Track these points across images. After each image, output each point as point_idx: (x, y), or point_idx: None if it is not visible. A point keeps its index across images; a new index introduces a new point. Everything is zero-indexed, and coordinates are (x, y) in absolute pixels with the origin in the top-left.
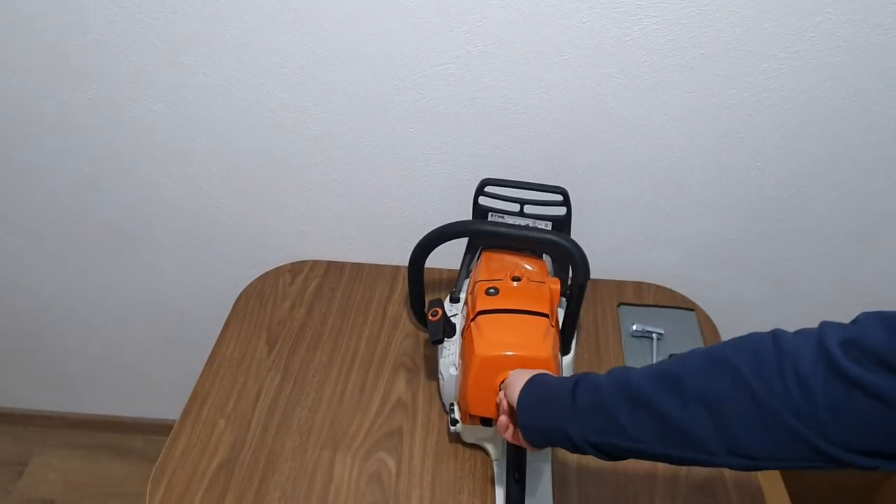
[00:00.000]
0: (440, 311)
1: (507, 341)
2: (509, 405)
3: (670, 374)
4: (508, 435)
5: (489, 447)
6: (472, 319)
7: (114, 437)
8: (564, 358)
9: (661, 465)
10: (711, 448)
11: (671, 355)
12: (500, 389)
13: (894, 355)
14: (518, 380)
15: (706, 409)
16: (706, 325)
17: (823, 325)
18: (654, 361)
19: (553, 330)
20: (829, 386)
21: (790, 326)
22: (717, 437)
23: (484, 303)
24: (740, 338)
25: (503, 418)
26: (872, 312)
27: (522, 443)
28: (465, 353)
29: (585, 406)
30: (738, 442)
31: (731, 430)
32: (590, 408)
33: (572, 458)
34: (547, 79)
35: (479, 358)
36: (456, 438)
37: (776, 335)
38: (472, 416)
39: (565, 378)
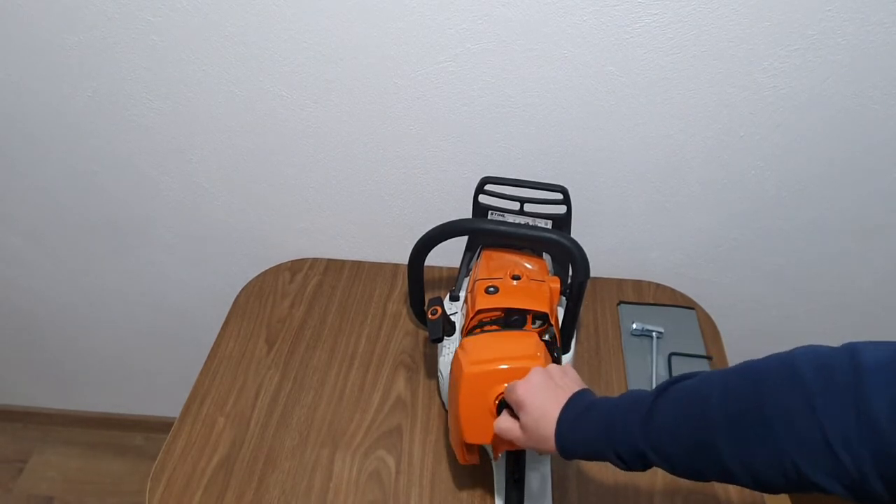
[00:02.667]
0: (440, 310)
1: (494, 355)
2: (513, 407)
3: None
4: (515, 436)
5: (489, 446)
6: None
7: (113, 434)
8: (564, 357)
9: None
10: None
11: (671, 355)
12: (495, 408)
13: None
14: (532, 384)
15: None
16: (706, 323)
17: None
18: (654, 360)
19: (542, 344)
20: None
21: (790, 325)
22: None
23: (483, 301)
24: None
25: (505, 421)
26: None
27: (528, 446)
28: (453, 379)
29: (667, 420)
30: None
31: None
32: (676, 423)
33: None
34: (547, 77)
35: (468, 377)
36: None
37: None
38: (468, 448)
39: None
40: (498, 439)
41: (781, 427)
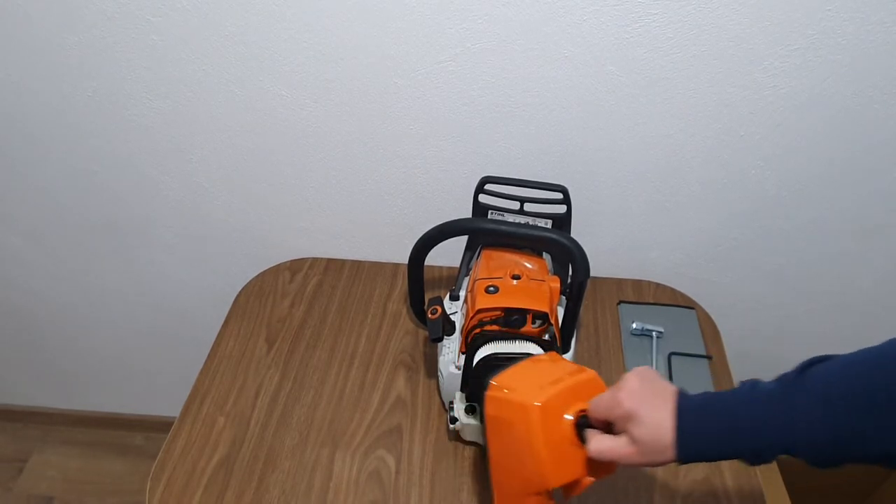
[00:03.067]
0: (440, 309)
1: (545, 379)
2: (616, 423)
3: None
4: (622, 454)
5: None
6: (486, 392)
7: (113, 434)
8: (564, 356)
9: None
10: None
11: (671, 354)
12: (575, 435)
13: None
14: (634, 391)
15: None
16: (706, 323)
17: None
18: (654, 360)
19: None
20: None
21: (790, 325)
22: None
23: (483, 301)
24: None
25: (604, 440)
26: None
27: (637, 461)
28: (505, 423)
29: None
30: None
31: None
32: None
33: None
34: (547, 76)
35: (538, 410)
36: (455, 436)
37: None
38: (549, 496)
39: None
40: (591, 467)
41: None
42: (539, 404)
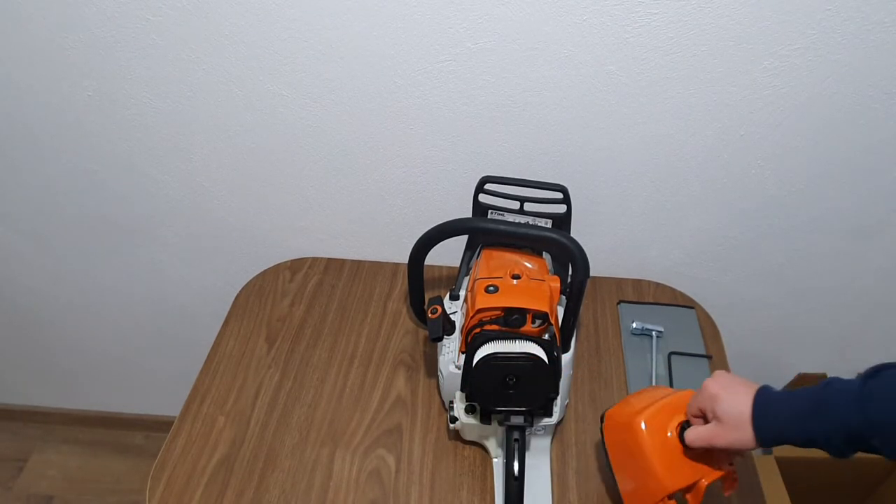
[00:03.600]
0: (440, 309)
1: (646, 402)
2: (704, 409)
3: None
4: (710, 434)
5: (489, 445)
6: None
7: (113, 433)
8: (564, 356)
9: None
10: None
11: (671, 354)
12: (679, 443)
13: None
14: (719, 380)
15: None
16: (706, 322)
17: None
18: (654, 359)
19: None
20: None
21: (790, 324)
22: None
23: (483, 300)
24: None
25: (694, 429)
26: None
27: (726, 440)
28: (621, 442)
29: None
30: None
31: None
32: None
33: (572, 455)
34: (547, 76)
35: (642, 425)
36: (455, 436)
37: None
38: (671, 499)
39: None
40: (703, 469)
41: None
42: (643, 420)
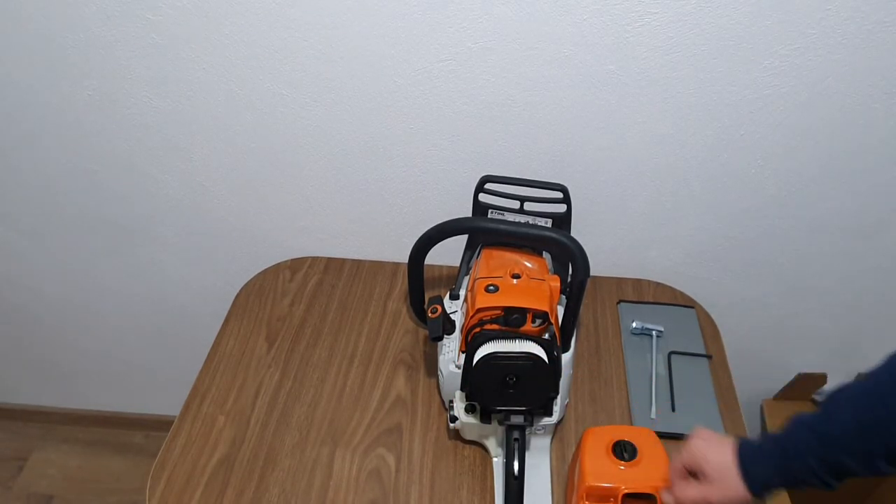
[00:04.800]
0: (440, 308)
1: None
2: (694, 470)
3: None
4: (705, 494)
5: (489, 444)
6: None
7: (113, 432)
8: (564, 355)
9: None
10: None
11: (671, 354)
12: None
13: None
14: (701, 440)
15: None
16: (706, 322)
17: None
18: (654, 359)
19: None
20: None
21: (790, 324)
22: None
23: (483, 300)
24: None
25: (687, 488)
26: None
27: (720, 497)
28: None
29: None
30: None
31: None
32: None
33: (572, 455)
34: (547, 75)
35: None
36: (455, 435)
37: None
38: None
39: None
40: None
41: None
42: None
